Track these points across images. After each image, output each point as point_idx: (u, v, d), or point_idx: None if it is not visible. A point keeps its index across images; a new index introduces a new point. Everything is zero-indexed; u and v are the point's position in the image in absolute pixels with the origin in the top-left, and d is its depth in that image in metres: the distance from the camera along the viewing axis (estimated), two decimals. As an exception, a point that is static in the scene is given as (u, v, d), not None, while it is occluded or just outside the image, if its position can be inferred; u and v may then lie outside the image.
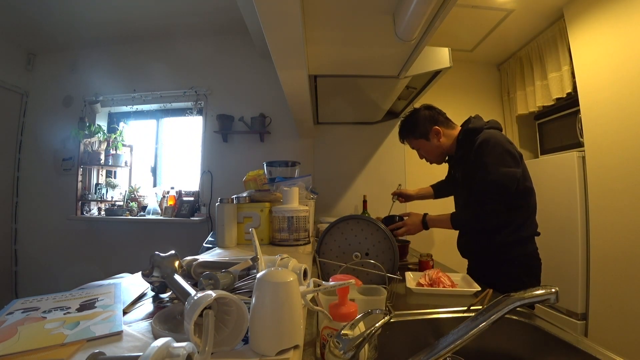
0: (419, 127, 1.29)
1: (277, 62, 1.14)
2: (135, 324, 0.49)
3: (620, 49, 1.71)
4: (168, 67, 2.74)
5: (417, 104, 2.14)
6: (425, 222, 1.26)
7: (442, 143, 1.28)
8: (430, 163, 1.40)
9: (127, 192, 2.78)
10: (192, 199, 2.64)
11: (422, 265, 1.24)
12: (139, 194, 2.79)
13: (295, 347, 0.42)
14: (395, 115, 2.48)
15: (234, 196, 1.25)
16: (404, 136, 1.37)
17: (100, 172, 2.81)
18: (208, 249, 1.24)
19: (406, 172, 2.52)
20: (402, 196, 1.68)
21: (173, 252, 0.66)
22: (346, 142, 2.53)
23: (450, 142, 1.28)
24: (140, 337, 0.45)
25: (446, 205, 2.73)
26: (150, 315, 0.53)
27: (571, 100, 2.10)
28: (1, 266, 2.64)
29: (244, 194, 1.28)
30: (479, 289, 0.96)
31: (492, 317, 0.41)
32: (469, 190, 1.18)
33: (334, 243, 0.94)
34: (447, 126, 1.29)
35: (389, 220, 1.37)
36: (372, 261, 0.86)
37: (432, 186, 1.67)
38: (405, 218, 1.34)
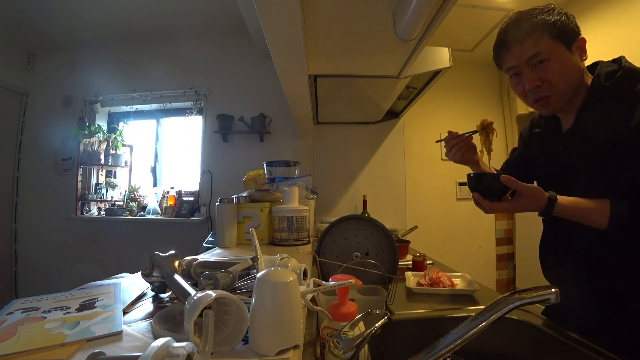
0: (563, 25, 0.72)
1: (277, 62, 1.14)
2: (135, 324, 0.49)
3: (620, 49, 1.69)
4: (168, 67, 2.74)
5: (417, 104, 2.17)
6: (550, 206, 0.69)
7: (583, 68, 0.76)
8: (542, 104, 0.77)
9: (127, 192, 2.78)
10: (192, 199, 2.64)
11: (416, 265, 1.24)
12: (138, 193, 2.79)
13: (295, 347, 0.42)
14: (395, 115, 2.48)
15: (234, 196, 1.25)
16: (532, 29, 0.72)
17: (100, 172, 2.81)
18: (208, 248, 1.24)
19: (406, 172, 2.52)
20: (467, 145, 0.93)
21: (173, 252, 0.66)
22: (346, 142, 2.53)
23: (583, 79, 0.75)
24: (140, 337, 0.45)
25: (446, 206, 2.76)
26: (150, 315, 0.53)
27: (571, 100, 2.09)
28: (1, 266, 2.64)
29: (244, 194, 1.28)
30: (479, 288, 0.96)
31: (492, 317, 0.41)
32: (620, 172, 0.67)
33: (334, 243, 0.94)
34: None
35: (485, 179, 0.78)
36: (372, 261, 0.86)
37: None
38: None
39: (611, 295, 0.69)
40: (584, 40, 0.74)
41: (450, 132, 0.90)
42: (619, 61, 0.74)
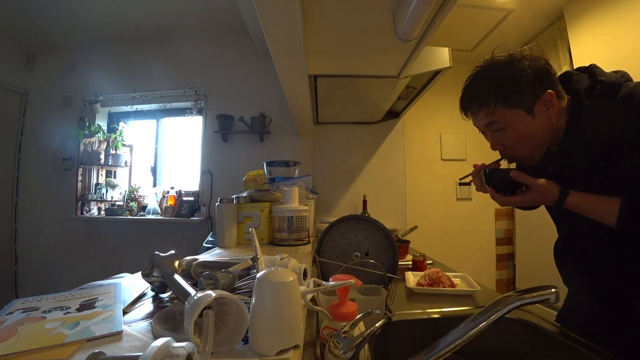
0: (522, 88, 0.68)
1: (277, 62, 1.14)
2: (135, 324, 0.49)
3: (620, 49, 1.71)
4: (168, 66, 2.74)
5: (417, 104, 2.17)
6: (562, 199, 0.67)
7: (553, 122, 0.70)
8: (512, 161, 0.80)
9: (127, 192, 2.78)
10: (192, 199, 2.64)
11: (416, 265, 1.24)
12: (138, 193, 2.79)
13: (295, 347, 0.42)
14: (395, 115, 2.48)
15: (234, 196, 1.25)
16: (484, 99, 0.72)
17: (100, 172, 2.81)
18: (208, 248, 1.24)
19: (406, 172, 2.52)
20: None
21: (173, 252, 0.66)
22: (346, 142, 2.53)
23: (560, 121, 0.71)
24: (140, 337, 0.45)
25: (446, 206, 2.76)
26: (150, 315, 0.53)
27: (571, 100, 2.10)
28: (1, 266, 2.64)
29: (244, 194, 1.28)
30: (479, 288, 0.96)
31: (492, 317, 0.41)
32: (613, 189, 0.64)
33: (334, 243, 0.94)
34: (559, 95, 0.70)
35: (496, 175, 0.77)
36: (372, 261, 0.86)
37: None
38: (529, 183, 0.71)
39: (621, 297, 0.69)
40: (552, 94, 0.68)
41: (476, 166, 0.84)
42: (592, 72, 0.70)
